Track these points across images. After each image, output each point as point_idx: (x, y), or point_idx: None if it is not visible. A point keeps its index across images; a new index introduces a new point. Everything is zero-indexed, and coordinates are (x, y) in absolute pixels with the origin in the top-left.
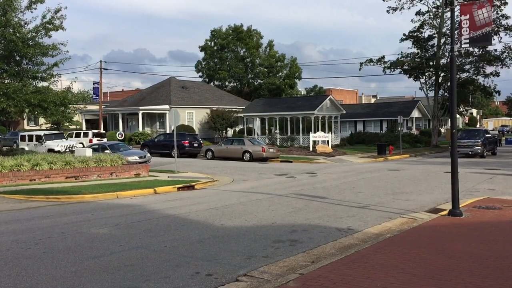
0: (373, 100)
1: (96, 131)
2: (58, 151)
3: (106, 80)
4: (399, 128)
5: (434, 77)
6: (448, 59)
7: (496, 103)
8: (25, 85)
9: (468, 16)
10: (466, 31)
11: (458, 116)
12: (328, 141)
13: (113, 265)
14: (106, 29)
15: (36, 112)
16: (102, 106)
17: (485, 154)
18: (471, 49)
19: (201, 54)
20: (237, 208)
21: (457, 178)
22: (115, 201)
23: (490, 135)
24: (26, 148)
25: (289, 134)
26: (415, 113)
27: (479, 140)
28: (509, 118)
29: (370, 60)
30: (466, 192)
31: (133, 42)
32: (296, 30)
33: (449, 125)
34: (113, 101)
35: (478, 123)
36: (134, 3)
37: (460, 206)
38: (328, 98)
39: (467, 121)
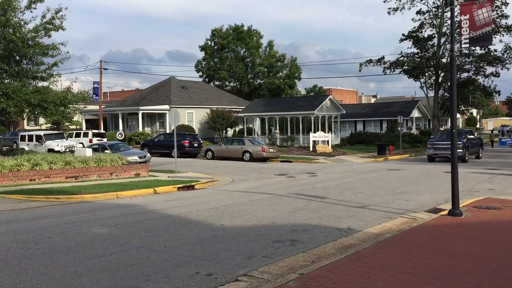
0: (373, 100)
1: (96, 131)
2: (58, 151)
3: (105, 80)
4: (399, 128)
5: (434, 77)
6: (448, 59)
7: (496, 103)
8: (25, 85)
9: (468, 16)
10: (466, 31)
11: (458, 115)
12: (328, 141)
13: (113, 265)
14: (104, 29)
15: (36, 112)
16: (102, 106)
17: (467, 158)
18: (472, 48)
19: (200, 54)
20: (237, 208)
21: (457, 178)
22: (115, 201)
23: (473, 137)
24: (26, 148)
25: (289, 134)
26: (415, 113)
27: (460, 142)
28: (509, 118)
29: (370, 61)
30: (466, 192)
31: (131, 42)
32: (294, 30)
33: (449, 125)
34: (113, 101)
35: (478, 123)
36: (132, 3)
37: (460, 206)
38: (328, 98)
39: (467, 119)
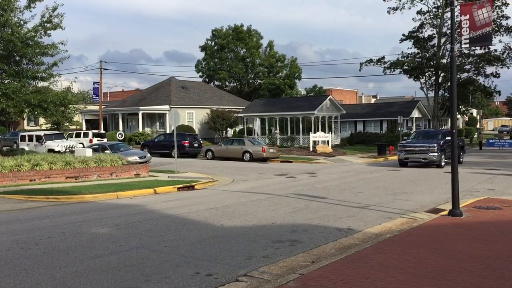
0: (373, 100)
1: (96, 131)
2: (58, 151)
3: (104, 80)
4: (399, 128)
5: (434, 77)
6: (448, 59)
7: (496, 103)
8: (25, 85)
9: (468, 16)
10: (466, 31)
11: (458, 116)
12: (328, 141)
13: (113, 265)
14: (101, 29)
15: (36, 112)
16: (102, 106)
17: (443, 163)
18: (472, 48)
19: (200, 55)
20: (237, 208)
21: (457, 178)
22: (115, 201)
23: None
24: (26, 148)
25: (289, 134)
26: (415, 113)
27: (435, 144)
28: (509, 118)
29: (370, 60)
30: (466, 192)
31: (129, 42)
32: (293, 30)
33: (449, 125)
34: (113, 101)
35: (478, 123)
36: (130, 2)
37: (460, 206)
38: (328, 98)
39: (467, 119)
